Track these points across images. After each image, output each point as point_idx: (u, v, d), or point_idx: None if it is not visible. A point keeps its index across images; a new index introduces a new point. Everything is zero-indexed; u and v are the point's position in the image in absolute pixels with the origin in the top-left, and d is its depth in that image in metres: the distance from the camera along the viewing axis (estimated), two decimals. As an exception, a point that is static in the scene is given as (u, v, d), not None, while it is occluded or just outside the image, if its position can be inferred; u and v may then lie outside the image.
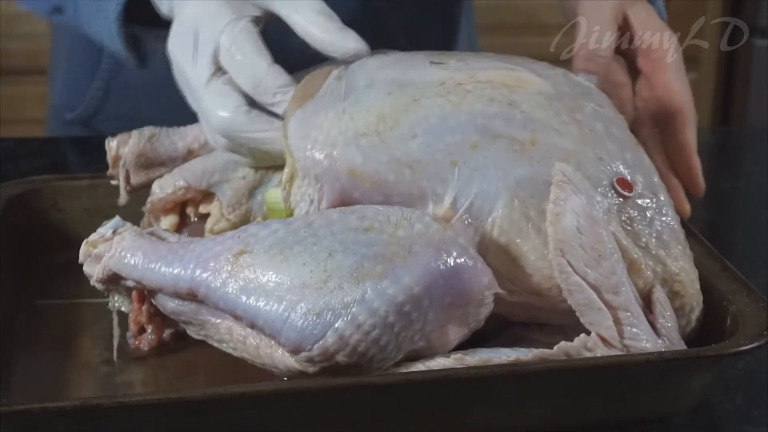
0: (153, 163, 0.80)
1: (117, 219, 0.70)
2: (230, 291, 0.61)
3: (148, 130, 0.80)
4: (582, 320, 0.63)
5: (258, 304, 0.60)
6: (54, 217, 0.86)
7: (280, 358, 0.61)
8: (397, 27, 1.08)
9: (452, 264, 0.61)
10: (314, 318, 0.59)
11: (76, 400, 0.60)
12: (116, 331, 0.71)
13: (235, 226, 0.73)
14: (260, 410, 0.60)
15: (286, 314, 0.59)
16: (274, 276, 0.61)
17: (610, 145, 0.69)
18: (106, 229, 0.68)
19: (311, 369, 0.60)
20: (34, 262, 0.83)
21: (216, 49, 0.71)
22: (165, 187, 0.78)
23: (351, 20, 0.73)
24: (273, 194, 0.73)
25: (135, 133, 0.80)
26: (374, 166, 0.66)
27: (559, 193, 0.64)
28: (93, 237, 0.68)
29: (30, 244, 0.84)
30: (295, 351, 0.60)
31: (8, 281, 0.76)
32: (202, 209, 0.79)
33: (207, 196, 0.78)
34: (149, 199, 0.79)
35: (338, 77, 0.72)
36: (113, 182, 0.80)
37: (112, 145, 0.80)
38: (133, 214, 0.78)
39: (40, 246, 0.84)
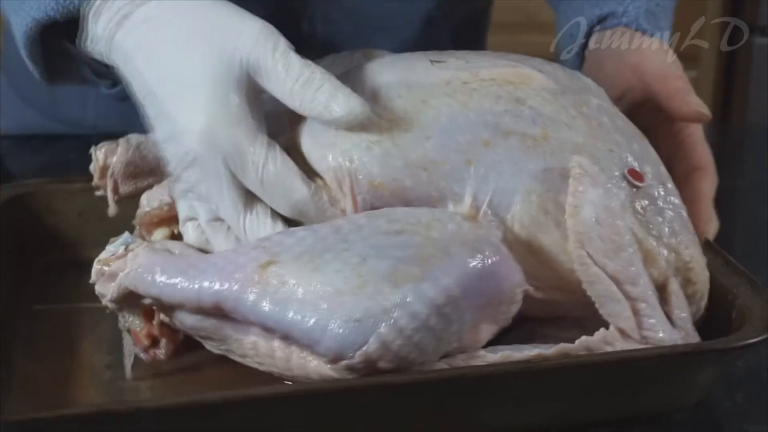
0: (141, 172, 0.77)
1: (126, 235, 0.68)
2: (260, 303, 0.60)
3: (134, 138, 0.77)
4: (601, 312, 0.64)
5: (292, 314, 0.59)
6: (48, 220, 0.84)
7: (315, 368, 0.60)
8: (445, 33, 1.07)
9: (488, 263, 0.60)
10: (354, 325, 0.58)
11: (83, 407, 0.59)
12: (128, 350, 0.69)
13: None
14: (274, 412, 0.59)
15: (324, 323, 0.58)
16: (307, 285, 0.59)
17: (619, 137, 0.70)
18: (116, 246, 0.66)
19: (350, 377, 0.59)
20: (31, 266, 0.81)
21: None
22: (152, 200, 0.76)
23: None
24: None
25: (122, 141, 0.77)
26: (391, 173, 0.66)
27: (577, 185, 0.64)
28: (104, 255, 0.66)
29: (26, 248, 0.82)
30: (335, 360, 0.58)
31: (6, 285, 0.74)
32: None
33: None
34: (138, 212, 0.77)
35: None
36: (98, 193, 0.78)
37: (99, 155, 0.77)
38: (131, 218, 0.76)
39: (36, 250, 0.82)
